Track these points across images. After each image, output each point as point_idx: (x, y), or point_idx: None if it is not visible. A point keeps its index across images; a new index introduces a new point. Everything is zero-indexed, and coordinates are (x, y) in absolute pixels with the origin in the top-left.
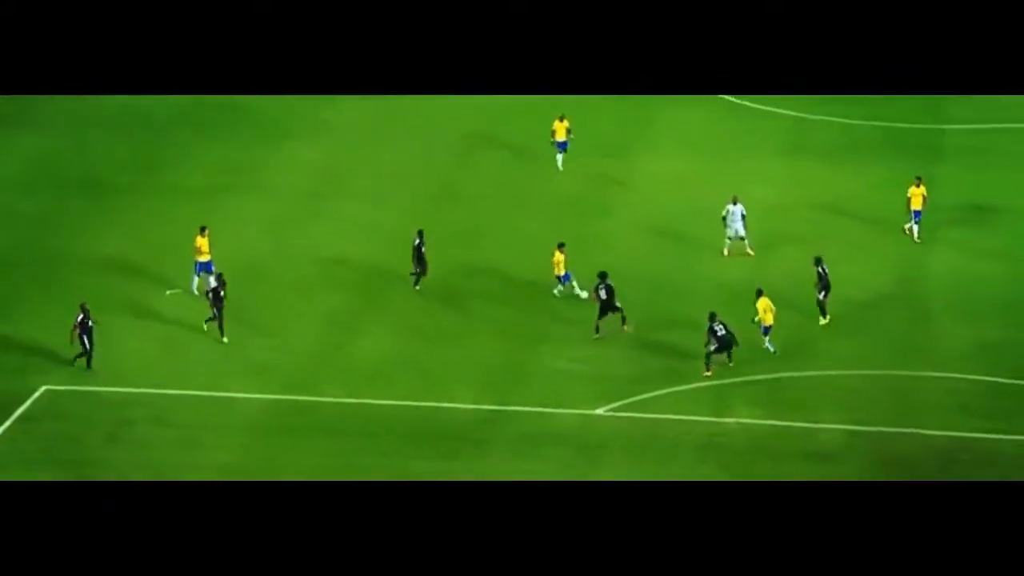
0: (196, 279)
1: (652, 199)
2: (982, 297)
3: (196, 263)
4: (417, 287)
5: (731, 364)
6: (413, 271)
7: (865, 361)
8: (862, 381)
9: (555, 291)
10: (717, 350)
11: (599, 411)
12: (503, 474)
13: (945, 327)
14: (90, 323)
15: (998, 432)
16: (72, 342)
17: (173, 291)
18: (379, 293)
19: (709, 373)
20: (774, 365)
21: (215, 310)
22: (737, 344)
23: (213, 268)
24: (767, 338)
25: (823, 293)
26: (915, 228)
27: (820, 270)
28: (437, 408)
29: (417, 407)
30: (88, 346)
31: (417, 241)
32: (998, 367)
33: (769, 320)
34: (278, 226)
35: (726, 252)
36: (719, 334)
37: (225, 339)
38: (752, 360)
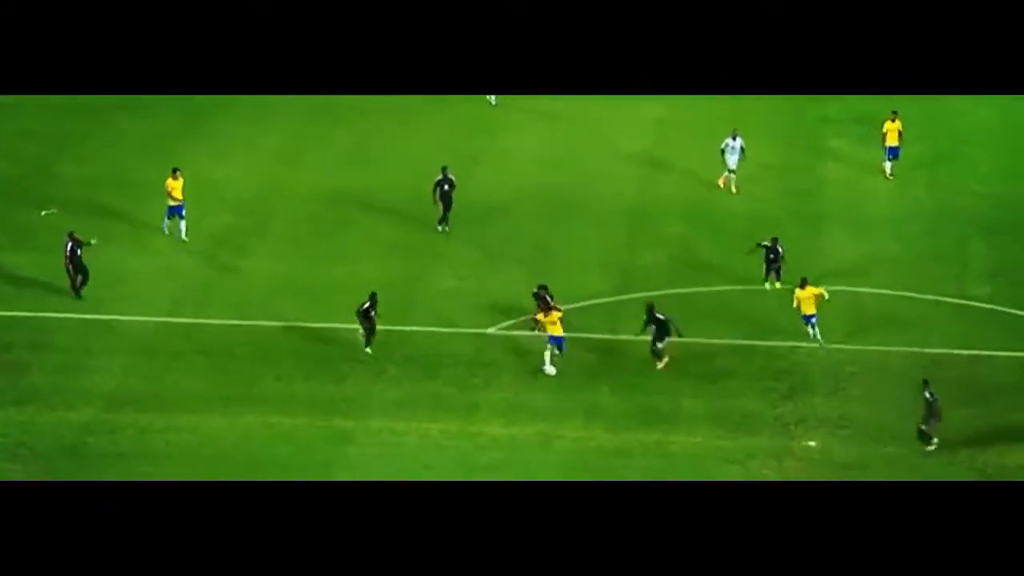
0: (168, 222)
1: (546, 131)
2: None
3: (168, 207)
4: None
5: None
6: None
7: (759, 278)
8: (753, 296)
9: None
10: (660, 339)
11: (490, 330)
12: (394, 394)
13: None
14: (79, 251)
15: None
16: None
17: (48, 211)
18: (266, 214)
19: (662, 365)
20: (666, 282)
21: (365, 328)
22: (680, 334)
23: (184, 211)
24: (812, 329)
25: (775, 270)
26: (888, 165)
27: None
28: (327, 329)
29: (307, 329)
30: (75, 273)
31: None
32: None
33: (810, 309)
34: (160, 144)
35: (721, 184)
36: (660, 320)
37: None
38: (645, 276)
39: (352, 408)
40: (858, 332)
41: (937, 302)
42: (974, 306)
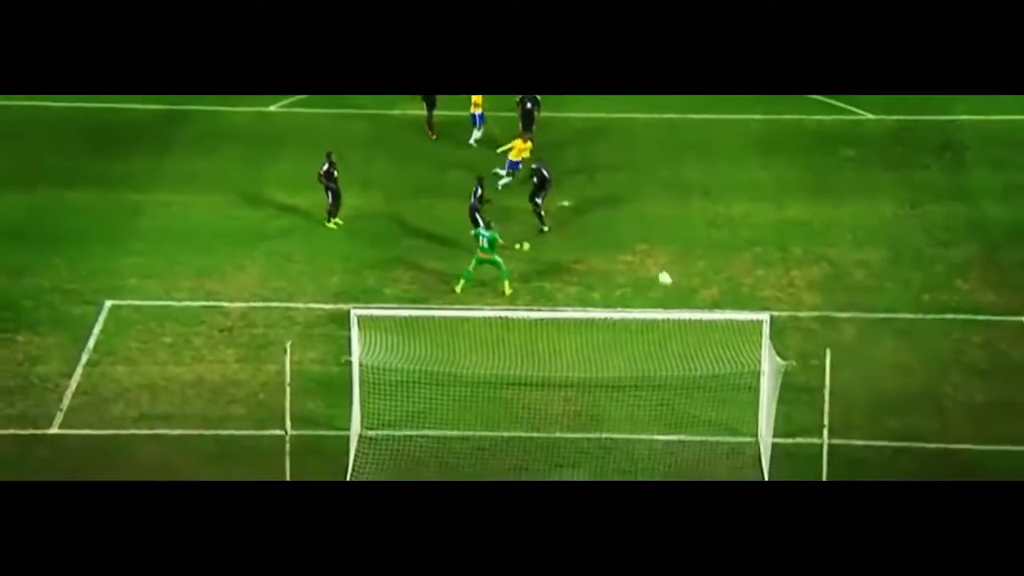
0: None
1: None
2: None
3: None
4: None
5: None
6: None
7: None
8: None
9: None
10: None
11: (272, 108)
12: (181, 169)
13: None
14: (335, 172)
15: None
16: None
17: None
18: None
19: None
20: None
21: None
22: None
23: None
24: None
25: (541, 196)
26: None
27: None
28: (113, 109)
29: (93, 108)
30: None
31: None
32: None
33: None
34: None
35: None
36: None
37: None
38: None
39: (141, 183)
40: None
41: None
42: None
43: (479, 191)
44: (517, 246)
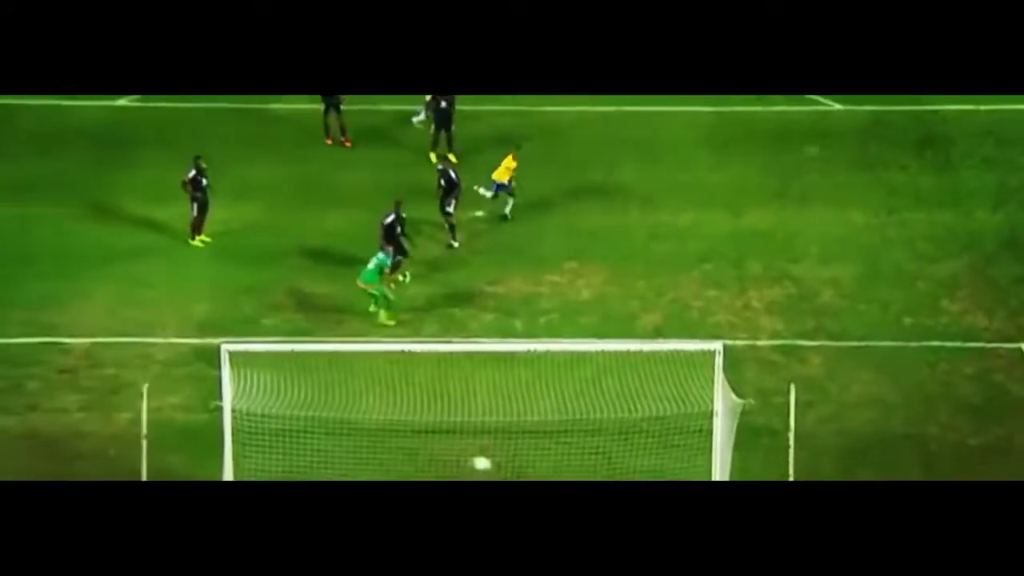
0: None
1: None
2: None
3: None
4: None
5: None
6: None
7: None
8: None
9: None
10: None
11: (122, 102)
12: (13, 176)
13: None
14: (204, 180)
15: None
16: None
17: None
18: None
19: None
20: None
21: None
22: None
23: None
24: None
25: (451, 203)
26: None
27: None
28: None
29: None
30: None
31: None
32: None
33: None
34: None
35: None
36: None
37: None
38: None
39: None
40: None
41: None
42: None
43: (393, 216)
44: (401, 278)
